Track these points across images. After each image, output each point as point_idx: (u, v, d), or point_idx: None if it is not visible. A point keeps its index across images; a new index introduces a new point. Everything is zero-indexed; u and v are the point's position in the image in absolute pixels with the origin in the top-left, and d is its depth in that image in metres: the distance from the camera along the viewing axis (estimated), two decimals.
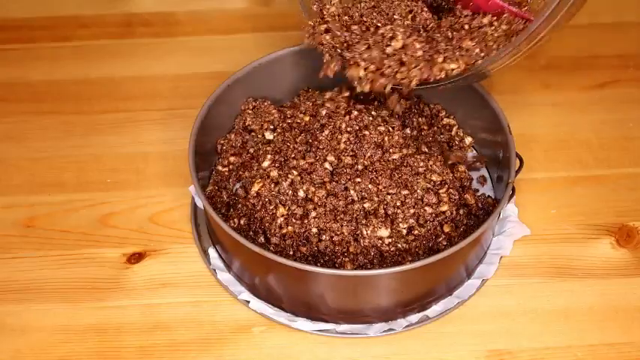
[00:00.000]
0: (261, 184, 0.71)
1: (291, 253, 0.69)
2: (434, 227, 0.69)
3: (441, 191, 0.71)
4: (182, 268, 0.74)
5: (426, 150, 0.75)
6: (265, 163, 0.73)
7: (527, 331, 0.69)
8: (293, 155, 0.72)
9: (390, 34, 0.68)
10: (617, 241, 0.75)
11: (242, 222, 0.71)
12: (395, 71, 0.66)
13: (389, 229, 0.68)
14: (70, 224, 0.78)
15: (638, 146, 0.84)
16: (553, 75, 0.90)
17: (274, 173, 0.71)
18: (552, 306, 0.71)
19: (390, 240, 0.68)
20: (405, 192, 0.70)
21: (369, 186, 0.69)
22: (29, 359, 0.69)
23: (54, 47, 0.97)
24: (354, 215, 0.69)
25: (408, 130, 0.76)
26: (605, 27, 0.95)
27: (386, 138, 0.72)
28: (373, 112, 0.74)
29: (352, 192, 0.69)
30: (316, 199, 0.69)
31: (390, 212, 0.69)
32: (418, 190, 0.70)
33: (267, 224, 0.70)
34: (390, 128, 0.73)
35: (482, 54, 0.66)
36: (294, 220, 0.69)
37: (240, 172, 0.77)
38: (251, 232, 0.71)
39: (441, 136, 0.80)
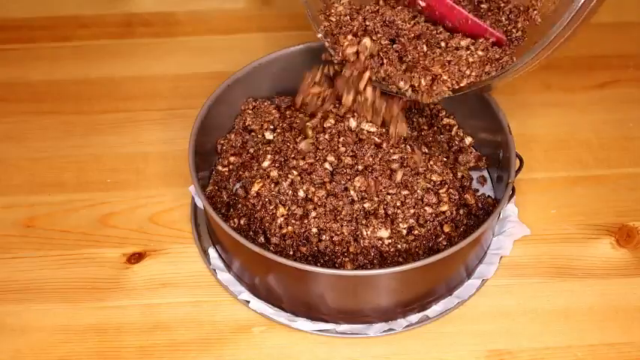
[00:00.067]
0: (261, 184, 0.71)
1: (291, 253, 0.69)
2: (434, 227, 0.69)
3: (441, 191, 0.71)
4: (182, 268, 0.74)
5: (426, 150, 0.75)
6: (265, 163, 0.73)
7: (527, 331, 0.69)
8: (293, 155, 0.72)
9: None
10: (617, 241, 0.75)
11: (242, 222, 0.72)
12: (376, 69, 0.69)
13: (389, 230, 0.68)
14: (70, 224, 0.78)
15: (638, 146, 0.84)
16: (553, 75, 0.90)
17: (274, 173, 0.71)
18: (552, 306, 0.71)
19: (390, 241, 0.68)
20: (405, 192, 0.70)
21: (369, 186, 0.69)
22: (29, 359, 0.69)
23: (54, 47, 0.97)
24: (354, 215, 0.69)
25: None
26: (605, 27, 0.95)
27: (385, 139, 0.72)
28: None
29: (352, 192, 0.69)
30: (316, 199, 0.69)
31: (390, 212, 0.69)
32: (418, 190, 0.70)
33: (267, 224, 0.70)
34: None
35: (448, 82, 0.67)
36: (293, 221, 0.69)
37: (240, 172, 0.77)
38: (251, 232, 0.71)
39: (441, 136, 0.80)
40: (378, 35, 0.70)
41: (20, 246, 0.76)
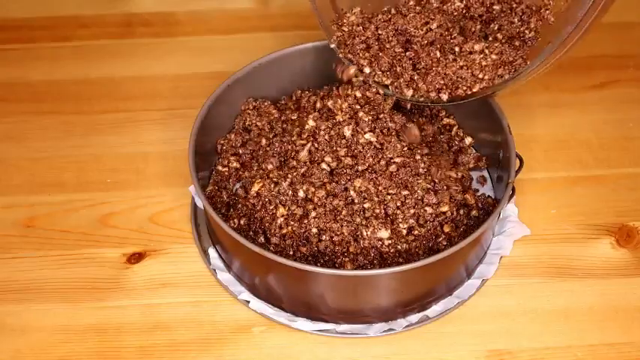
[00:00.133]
0: (261, 184, 0.71)
1: (291, 253, 0.69)
2: (434, 227, 0.69)
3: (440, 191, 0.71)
4: (182, 268, 0.74)
5: (427, 150, 0.75)
6: (265, 164, 0.73)
7: (527, 331, 0.69)
8: (293, 155, 0.72)
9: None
10: (617, 241, 0.75)
11: (242, 222, 0.71)
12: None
13: (389, 231, 0.68)
14: (70, 224, 0.78)
15: (638, 146, 0.84)
16: (553, 75, 0.89)
17: (274, 173, 0.71)
18: (552, 306, 0.71)
19: (389, 242, 0.68)
20: (405, 192, 0.70)
21: (370, 186, 0.69)
22: (29, 359, 0.69)
23: (54, 47, 0.97)
24: (354, 216, 0.69)
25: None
26: (605, 27, 0.95)
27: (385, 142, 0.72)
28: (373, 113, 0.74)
29: (352, 192, 0.69)
30: (316, 200, 0.69)
31: (390, 212, 0.69)
32: (418, 191, 0.70)
33: (267, 224, 0.70)
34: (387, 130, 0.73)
35: (460, 89, 0.68)
36: (292, 222, 0.69)
37: (240, 172, 0.77)
38: (251, 232, 0.71)
39: (441, 136, 0.80)
40: (392, 44, 0.71)
41: (20, 246, 0.76)
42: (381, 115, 0.72)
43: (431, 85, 0.70)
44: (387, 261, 0.68)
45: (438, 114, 0.81)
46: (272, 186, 0.70)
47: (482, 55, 0.69)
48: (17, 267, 0.75)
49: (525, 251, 0.75)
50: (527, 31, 0.70)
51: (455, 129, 0.81)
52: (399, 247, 0.68)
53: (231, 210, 0.73)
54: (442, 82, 0.70)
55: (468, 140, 0.80)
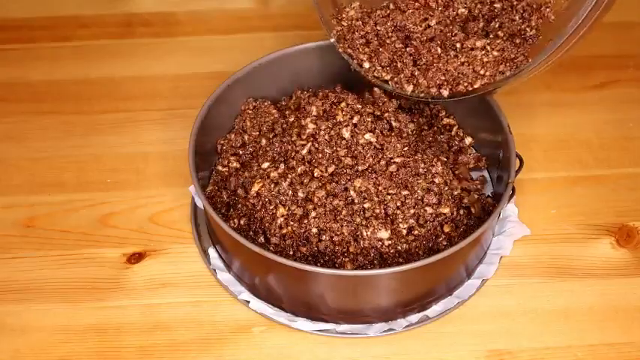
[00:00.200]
0: (261, 184, 0.71)
1: (291, 253, 0.69)
2: (434, 227, 0.69)
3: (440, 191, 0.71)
4: (182, 268, 0.74)
5: (427, 152, 0.75)
6: (265, 164, 0.73)
7: (527, 331, 0.69)
8: (293, 155, 0.72)
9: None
10: (617, 241, 0.75)
11: (242, 222, 0.71)
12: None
13: (389, 231, 0.68)
14: (70, 224, 0.78)
15: (638, 146, 0.84)
16: (553, 75, 0.90)
17: (274, 173, 0.71)
18: (552, 306, 0.71)
19: (389, 242, 0.68)
20: (405, 192, 0.70)
21: (370, 186, 0.69)
22: (29, 359, 0.69)
23: (54, 47, 0.97)
24: (354, 216, 0.69)
25: (411, 125, 0.76)
26: (605, 27, 0.94)
27: (385, 142, 0.72)
28: (372, 112, 0.74)
29: (352, 192, 0.69)
30: (316, 200, 0.69)
31: (390, 212, 0.69)
32: (418, 191, 0.70)
33: (267, 224, 0.70)
34: (388, 131, 0.73)
35: (461, 85, 0.68)
36: (292, 222, 0.69)
37: (240, 172, 0.77)
38: (251, 232, 0.71)
39: (441, 136, 0.80)
40: (392, 39, 0.70)
41: (20, 246, 0.76)
42: (386, 115, 0.72)
43: (432, 81, 0.70)
44: (387, 261, 0.68)
45: (437, 114, 0.81)
46: (272, 186, 0.70)
47: (483, 52, 0.69)
48: (17, 267, 0.75)
49: (525, 251, 0.75)
50: (528, 29, 0.70)
51: (455, 129, 0.81)
52: (399, 247, 0.68)
53: (231, 210, 0.73)
54: (443, 78, 0.70)
55: (468, 140, 0.80)
